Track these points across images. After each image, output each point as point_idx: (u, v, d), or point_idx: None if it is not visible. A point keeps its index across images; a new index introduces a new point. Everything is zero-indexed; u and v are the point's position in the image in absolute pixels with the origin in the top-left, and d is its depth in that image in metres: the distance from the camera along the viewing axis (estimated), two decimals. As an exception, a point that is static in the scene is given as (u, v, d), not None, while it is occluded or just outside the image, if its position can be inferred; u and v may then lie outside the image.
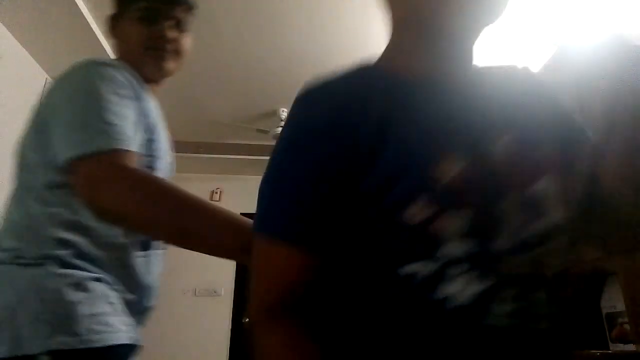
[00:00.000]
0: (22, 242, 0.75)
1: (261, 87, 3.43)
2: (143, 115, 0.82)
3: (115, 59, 0.95)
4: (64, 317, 0.69)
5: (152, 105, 0.91)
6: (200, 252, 0.71)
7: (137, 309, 0.84)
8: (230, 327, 4.43)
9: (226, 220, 0.69)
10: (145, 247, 0.83)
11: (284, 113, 3.71)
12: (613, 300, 1.73)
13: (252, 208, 0.56)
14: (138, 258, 0.82)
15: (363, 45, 2.92)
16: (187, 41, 0.98)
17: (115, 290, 0.78)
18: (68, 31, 2.64)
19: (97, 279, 0.75)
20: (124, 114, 0.75)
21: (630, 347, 1.56)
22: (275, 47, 2.96)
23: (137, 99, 0.82)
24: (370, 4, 2.55)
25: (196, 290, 4.44)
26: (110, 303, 0.76)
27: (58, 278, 0.71)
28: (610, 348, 1.69)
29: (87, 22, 2.57)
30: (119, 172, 0.69)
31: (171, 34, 0.93)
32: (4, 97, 2.69)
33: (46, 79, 3.08)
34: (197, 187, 5.02)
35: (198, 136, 4.29)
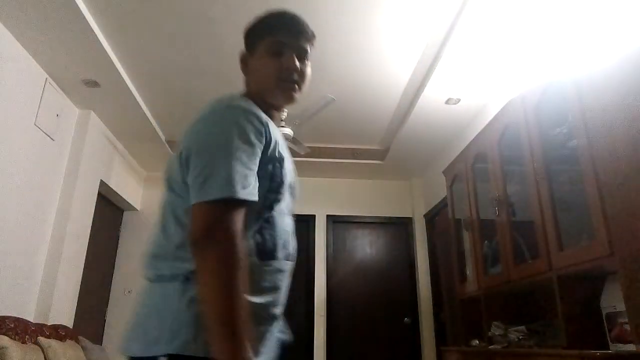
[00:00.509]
0: (163, 263, 0.88)
1: (261, 87, 3.42)
2: (273, 151, 0.91)
3: (244, 95, 1.04)
4: (181, 326, 0.79)
5: (279, 134, 0.98)
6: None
7: (269, 315, 0.90)
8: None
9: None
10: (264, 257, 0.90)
11: (284, 113, 3.70)
12: (613, 301, 1.73)
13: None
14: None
15: (360, 45, 2.93)
16: (309, 70, 1.05)
17: None
18: (68, 31, 2.64)
19: None
20: (250, 162, 0.85)
21: (631, 348, 1.56)
22: (275, 47, 2.96)
23: (267, 138, 0.90)
24: (368, 4, 2.56)
25: (196, 290, 4.44)
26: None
27: (182, 293, 0.82)
28: (610, 348, 1.69)
29: (87, 22, 2.57)
30: (222, 233, 0.78)
31: (298, 65, 1.01)
32: (4, 97, 2.69)
33: (46, 78, 3.08)
34: (197, 187, 5.02)
35: (198, 136, 4.29)
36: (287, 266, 0.94)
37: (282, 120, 3.70)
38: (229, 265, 0.76)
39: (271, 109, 1.03)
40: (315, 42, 1.09)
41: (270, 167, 0.91)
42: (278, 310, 0.91)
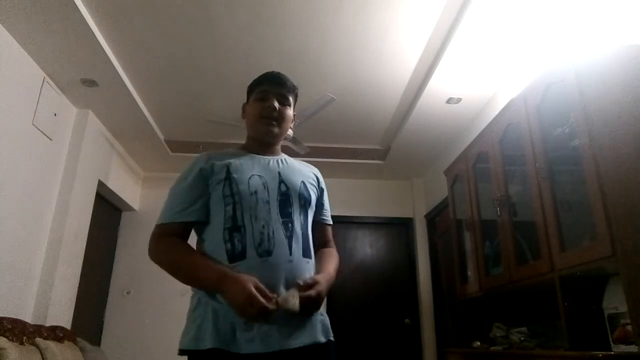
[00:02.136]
0: None
1: (261, 86, 3.40)
2: (219, 175, 1.21)
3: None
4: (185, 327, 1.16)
5: (249, 160, 1.28)
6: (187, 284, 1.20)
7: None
8: (229, 328, 4.42)
9: (200, 268, 1.16)
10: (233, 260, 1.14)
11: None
12: (615, 301, 1.72)
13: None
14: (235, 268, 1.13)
15: (360, 45, 2.91)
16: (289, 112, 1.34)
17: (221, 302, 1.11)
18: (66, 31, 2.63)
19: (211, 297, 1.12)
20: (185, 196, 1.20)
21: (633, 349, 1.55)
22: (274, 47, 2.94)
23: (211, 171, 1.22)
24: (367, 4, 2.54)
25: (195, 291, 4.42)
26: (205, 320, 1.10)
27: (192, 298, 1.19)
28: (613, 349, 1.67)
29: (86, 21, 2.55)
30: (154, 239, 1.21)
31: (277, 105, 1.29)
32: (2, 96, 2.67)
33: (44, 78, 3.07)
34: (197, 187, 5.00)
35: (198, 136, 4.28)
36: (262, 261, 1.12)
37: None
38: (167, 258, 1.21)
39: (258, 144, 1.34)
40: (298, 92, 1.39)
41: (218, 187, 1.19)
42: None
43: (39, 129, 3.05)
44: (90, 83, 3.18)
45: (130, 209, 4.68)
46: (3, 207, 2.72)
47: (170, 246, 1.18)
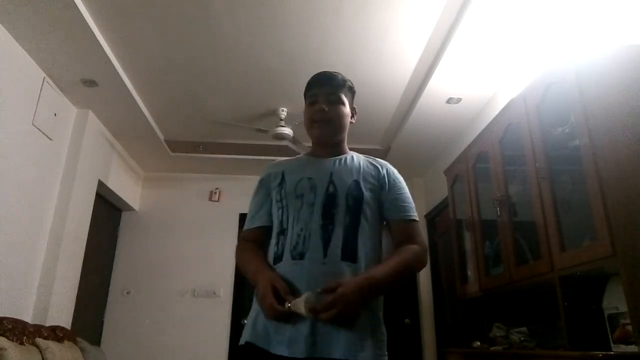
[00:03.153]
0: None
1: (260, 87, 3.41)
2: (273, 182, 1.31)
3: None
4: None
5: (306, 164, 1.34)
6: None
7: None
8: (229, 329, 4.41)
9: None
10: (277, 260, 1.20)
11: (284, 113, 3.69)
12: (615, 301, 1.72)
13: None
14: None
15: (360, 45, 2.91)
16: (342, 109, 1.34)
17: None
18: (66, 31, 2.63)
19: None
20: (252, 206, 1.34)
21: (633, 349, 1.55)
22: (274, 47, 2.94)
23: (266, 179, 1.34)
24: (367, 4, 2.54)
25: (195, 292, 4.42)
26: (250, 319, 1.17)
27: None
28: (613, 349, 1.67)
29: (86, 21, 2.55)
30: (240, 242, 1.35)
31: (324, 107, 1.31)
32: (2, 96, 2.67)
33: (44, 78, 3.06)
34: (197, 187, 5.00)
35: (197, 136, 4.28)
36: (294, 263, 1.14)
37: (281, 120, 3.70)
38: (237, 258, 1.32)
39: (318, 147, 1.38)
40: (350, 84, 1.38)
41: (274, 193, 1.29)
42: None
43: (39, 129, 3.05)
44: (90, 83, 3.18)
45: (130, 209, 4.68)
46: (3, 207, 2.72)
47: (241, 248, 1.31)
